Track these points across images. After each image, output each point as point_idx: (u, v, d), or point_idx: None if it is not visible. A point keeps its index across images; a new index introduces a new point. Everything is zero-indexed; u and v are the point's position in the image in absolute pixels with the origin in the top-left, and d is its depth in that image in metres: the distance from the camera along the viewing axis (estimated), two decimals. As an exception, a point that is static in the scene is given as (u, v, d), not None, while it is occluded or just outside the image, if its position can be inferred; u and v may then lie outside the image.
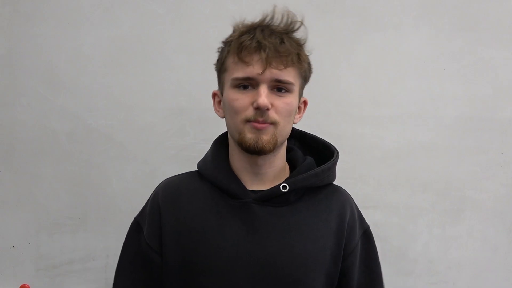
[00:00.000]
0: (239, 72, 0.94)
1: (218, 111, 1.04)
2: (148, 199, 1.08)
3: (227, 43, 1.00)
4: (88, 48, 1.42)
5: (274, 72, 0.93)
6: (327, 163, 1.03)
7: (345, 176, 1.39)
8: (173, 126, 1.43)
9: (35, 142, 1.42)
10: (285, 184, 0.98)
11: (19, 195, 1.43)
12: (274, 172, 1.03)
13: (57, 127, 1.42)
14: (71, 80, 1.42)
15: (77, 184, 1.43)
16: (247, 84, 0.95)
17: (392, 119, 1.43)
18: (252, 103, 0.93)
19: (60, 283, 1.44)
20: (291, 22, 0.98)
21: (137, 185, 1.42)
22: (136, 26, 1.42)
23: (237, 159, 1.02)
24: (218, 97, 1.04)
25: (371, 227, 1.09)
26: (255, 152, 0.95)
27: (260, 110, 0.93)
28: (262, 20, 0.98)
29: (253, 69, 0.93)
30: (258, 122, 0.93)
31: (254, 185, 1.01)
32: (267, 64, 0.92)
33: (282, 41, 0.94)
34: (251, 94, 0.94)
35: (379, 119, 1.43)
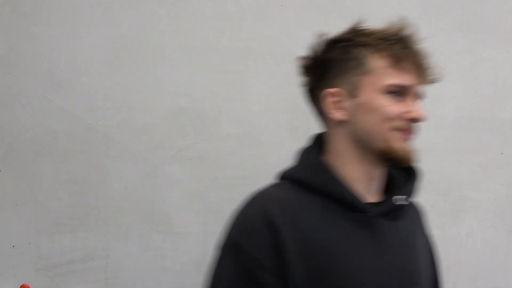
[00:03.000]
0: (394, 78, 0.90)
1: (337, 113, 0.93)
2: (244, 216, 0.93)
3: (365, 43, 0.93)
4: (88, 48, 1.42)
5: (422, 83, 0.93)
6: (415, 172, 1.01)
7: (345, 176, 1.39)
8: (173, 126, 1.43)
9: (35, 142, 1.42)
10: (406, 197, 0.95)
11: (19, 195, 1.43)
12: (381, 183, 0.98)
13: (57, 127, 1.42)
14: (71, 80, 1.42)
15: (77, 184, 1.43)
16: (399, 91, 0.91)
17: (392, 119, 1.43)
18: (403, 112, 0.91)
19: (60, 283, 1.44)
20: (415, 34, 0.96)
21: (137, 185, 1.42)
22: (136, 26, 1.42)
23: (354, 169, 0.93)
24: (336, 97, 0.93)
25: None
26: (405, 163, 0.92)
27: (413, 122, 0.91)
28: (400, 30, 0.96)
29: (409, 78, 0.91)
30: (408, 132, 0.91)
31: (367, 197, 0.94)
32: (421, 74, 0.92)
33: (424, 55, 0.94)
34: (402, 103, 0.91)
35: (379, 119, 1.43)
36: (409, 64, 0.91)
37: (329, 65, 0.95)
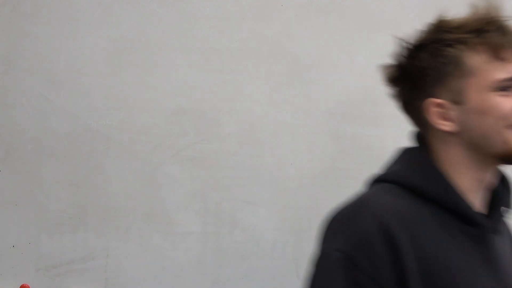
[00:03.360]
0: (501, 72, 0.83)
1: (444, 124, 0.85)
2: (357, 228, 0.83)
3: (457, 40, 0.86)
4: (88, 48, 1.42)
5: None
6: (508, 180, 0.93)
7: (345, 176, 1.39)
8: (173, 126, 1.43)
9: (35, 142, 1.42)
10: (509, 209, 0.89)
11: (19, 195, 1.43)
12: (486, 193, 0.90)
13: (57, 127, 1.42)
14: (71, 80, 1.42)
15: (77, 184, 1.43)
16: (508, 85, 0.83)
17: (392, 119, 1.43)
18: None
19: (60, 283, 1.44)
20: (503, 12, 0.87)
21: (137, 185, 1.42)
22: (136, 26, 1.42)
23: (468, 178, 0.86)
24: (441, 108, 0.85)
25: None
26: None
27: None
28: (489, 13, 0.87)
29: None
30: None
31: (477, 208, 0.88)
32: None
33: None
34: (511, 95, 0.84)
35: (379, 119, 1.43)
36: (510, 51, 0.83)
37: (422, 74, 0.86)
